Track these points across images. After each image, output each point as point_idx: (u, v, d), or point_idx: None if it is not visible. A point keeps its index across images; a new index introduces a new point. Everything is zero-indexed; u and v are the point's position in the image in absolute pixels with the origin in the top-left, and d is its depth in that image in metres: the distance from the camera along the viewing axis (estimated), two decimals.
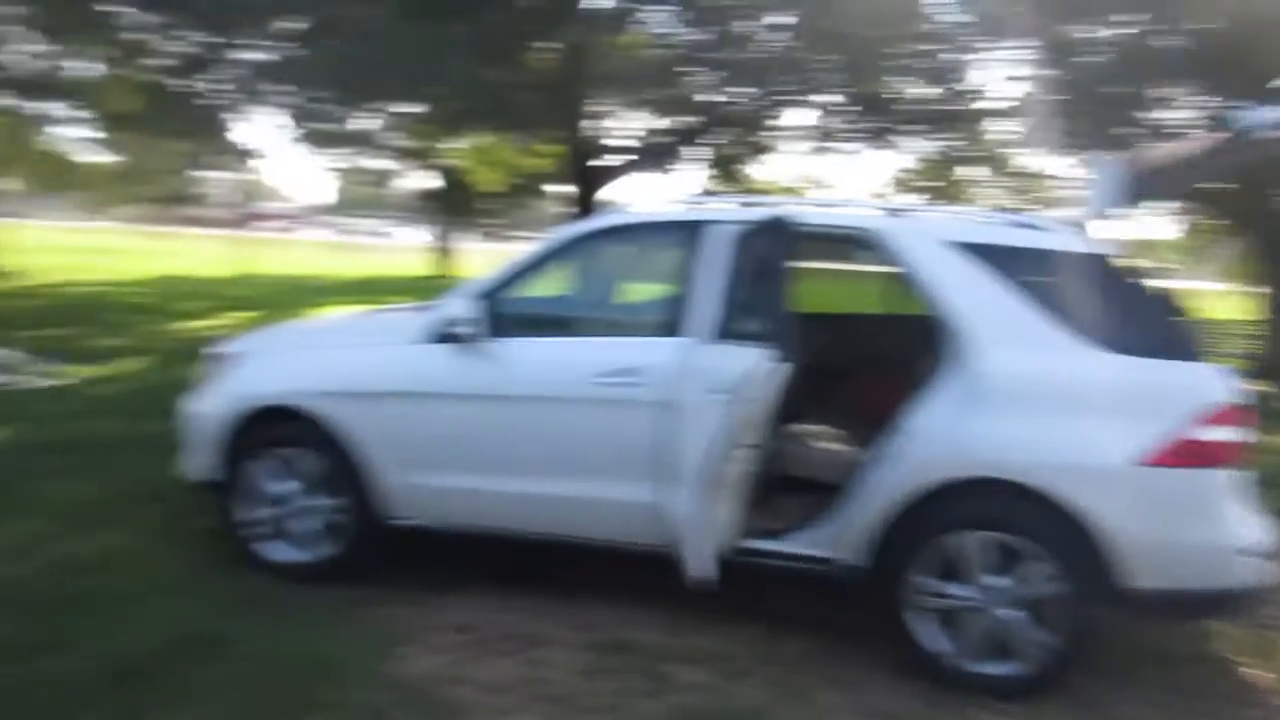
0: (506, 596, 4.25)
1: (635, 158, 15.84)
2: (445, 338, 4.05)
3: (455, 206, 27.91)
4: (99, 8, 12.62)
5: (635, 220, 4.49)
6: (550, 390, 3.93)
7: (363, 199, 52.61)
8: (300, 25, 12.65)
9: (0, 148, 19.44)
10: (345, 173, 30.19)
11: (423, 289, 18.21)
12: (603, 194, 15.47)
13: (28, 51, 14.40)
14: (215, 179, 25.04)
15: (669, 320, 3.85)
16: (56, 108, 16.69)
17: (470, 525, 4.21)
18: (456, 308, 4.04)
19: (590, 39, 13.16)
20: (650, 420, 3.71)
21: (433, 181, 27.36)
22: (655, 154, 15.70)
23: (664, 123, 15.27)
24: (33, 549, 4.46)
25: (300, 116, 15.07)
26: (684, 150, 15.66)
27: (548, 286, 4.42)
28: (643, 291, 4.68)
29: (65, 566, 4.24)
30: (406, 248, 35.85)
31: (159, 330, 12.39)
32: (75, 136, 19.22)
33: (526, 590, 4.32)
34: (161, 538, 4.68)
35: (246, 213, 42.92)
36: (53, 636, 3.54)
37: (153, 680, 3.28)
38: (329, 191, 62.87)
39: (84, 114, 16.81)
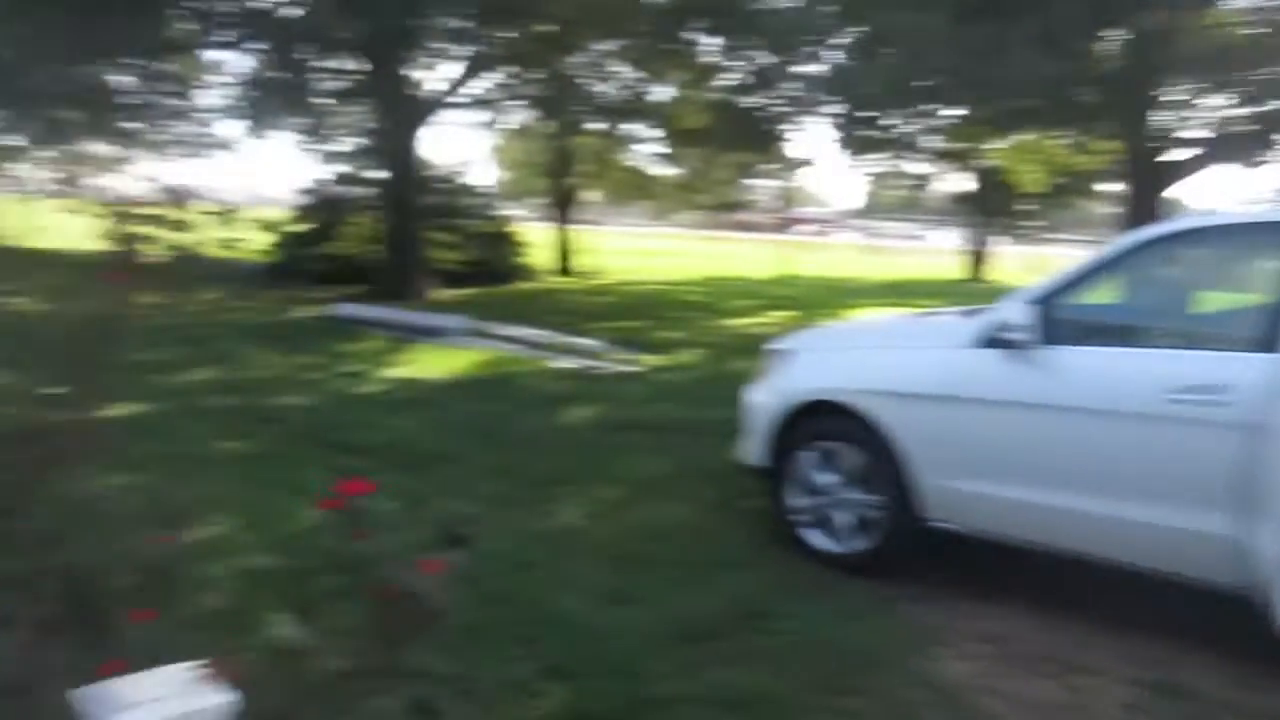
0: (1043, 613, 4.06)
1: (1210, 151, 14.05)
2: (996, 343, 3.97)
3: (991, 208, 26.99)
4: (683, 35, 14.23)
5: (1222, 222, 4.02)
6: (1111, 404, 3.67)
7: (893, 203, 52.95)
8: (853, 38, 13.13)
9: (590, 165, 22.68)
10: (881, 177, 30.62)
11: (955, 292, 17.91)
12: (1166, 192, 13.95)
13: (618, 81, 16.71)
14: (763, 187, 26.89)
15: (1263, 334, 3.40)
16: (637, 128, 19.13)
17: (1007, 536, 4.08)
18: (1010, 312, 3.94)
19: (1171, 22, 11.92)
20: (1233, 444, 3.30)
21: (968, 184, 26.71)
22: (1236, 146, 13.78)
23: (1249, 110, 13.33)
24: (613, 513, 5.20)
25: (846, 125, 15.63)
26: (1276, 139, 13.54)
27: (1109, 293, 4.13)
28: (1223, 300, 4.18)
29: (638, 531, 4.88)
30: (938, 251, 35.41)
31: (711, 325, 13.62)
32: (648, 152, 21.83)
33: (1065, 610, 4.08)
34: (717, 514, 5.19)
35: (787, 218, 45.46)
36: (628, 591, 4.09)
37: (712, 641, 3.65)
38: (859, 196, 64.17)
39: (657, 132, 19.07)
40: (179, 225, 2.31)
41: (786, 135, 17.21)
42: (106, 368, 2.45)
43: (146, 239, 2.27)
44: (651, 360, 10.20)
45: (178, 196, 2.38)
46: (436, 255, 16.47)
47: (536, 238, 20.72)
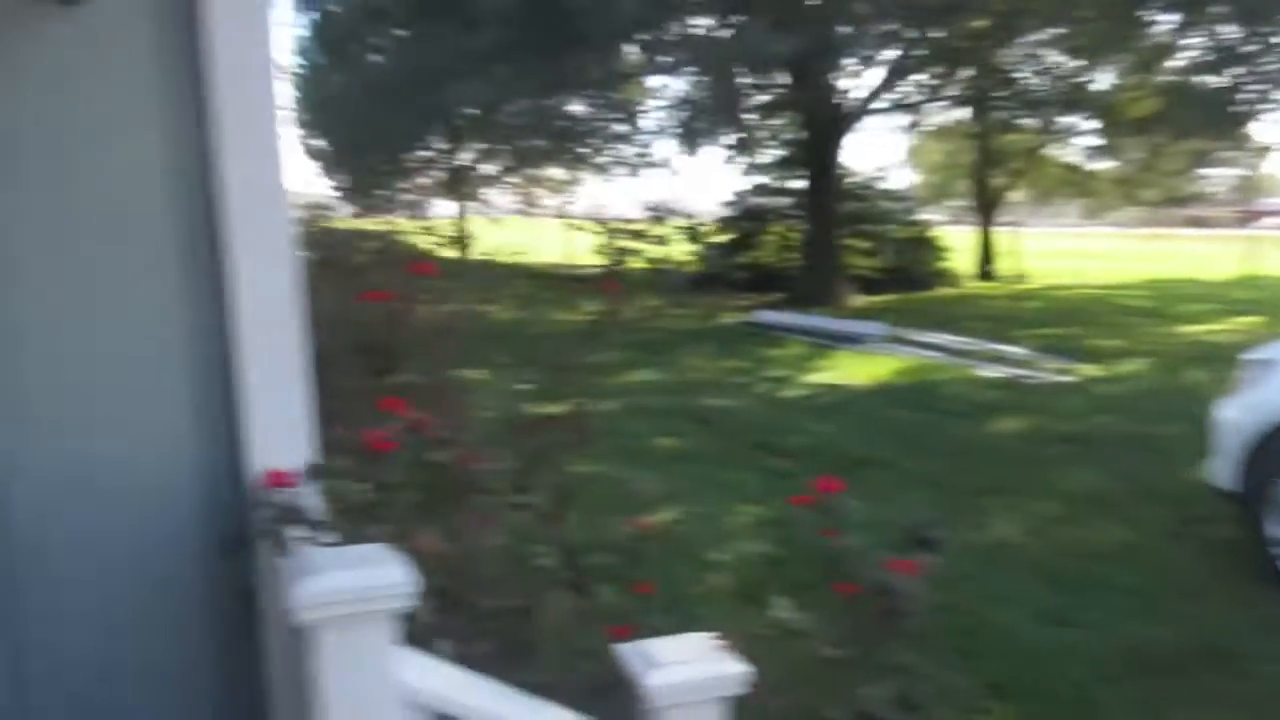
0: None
1: None
2: None
3: None
4: (1137, 15, 13.06)
5: None
6: None
7: None
8: None
9: (1017, 162, 21.45)
10: None
11: None
12: None
13: (1054, 72, 15.70)
14: (1220, 177, 23.72)
15: None
16: (1072, 120, 17.84)
17: None
18: None
19: None
20: None
21: None
22: None
23: None
24: (1051, 529, 4.95)
25: None
26: None
27: None
28: None
29: (1079, 550, 4.61)
30: None
31: (1156, 333, 12.33)
32: (1083, 146, 20.24)
33: None
34: (1170, 539, 4.74)
35: (1250, 210, 39.81)
36: (1070, 612, 3.89)
37: (1171, 677, 3.36)
38: None
39: (1094, 124, 17.62)
40: (658, 240, 2.57)
41: (1256, 116, 15.07)
42: (578, 369, 2.80)
43: (632, 253, 2.56)
44: (1088, 370, 9.48)
45: (658, 213, 2.66)
46: (853, 262, 16.53)
47: (956, 241, 20.04)
